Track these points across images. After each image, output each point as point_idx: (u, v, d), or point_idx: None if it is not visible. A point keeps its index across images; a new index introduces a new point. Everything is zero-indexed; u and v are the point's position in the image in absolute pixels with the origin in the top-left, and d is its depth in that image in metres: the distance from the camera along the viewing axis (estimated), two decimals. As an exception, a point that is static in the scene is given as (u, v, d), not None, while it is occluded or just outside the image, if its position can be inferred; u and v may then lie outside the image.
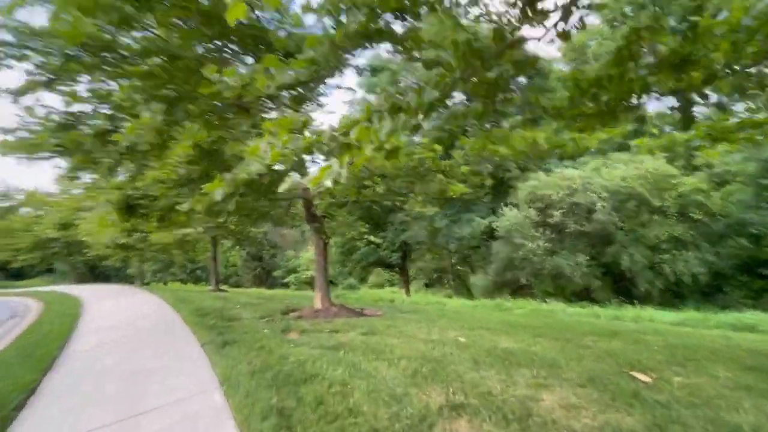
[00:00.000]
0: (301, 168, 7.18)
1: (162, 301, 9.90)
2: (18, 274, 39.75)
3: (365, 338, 5.45)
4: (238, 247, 31.95)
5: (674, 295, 14.67)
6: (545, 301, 11.83)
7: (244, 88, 3.89)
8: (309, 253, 45.84)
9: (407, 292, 29.00)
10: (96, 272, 41.26)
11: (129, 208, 6.89)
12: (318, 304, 8.03)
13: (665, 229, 12.71)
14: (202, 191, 4.88)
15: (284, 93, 5.17)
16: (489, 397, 3.04)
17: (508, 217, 14.77)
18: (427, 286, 36.53)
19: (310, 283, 41.28)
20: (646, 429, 2.48)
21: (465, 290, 27.23)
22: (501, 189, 19.48)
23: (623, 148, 17.05)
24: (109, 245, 19.22)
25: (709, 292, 15.11)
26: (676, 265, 12.55)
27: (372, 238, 27.88)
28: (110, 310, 9.13)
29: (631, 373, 3.59)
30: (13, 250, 25.37)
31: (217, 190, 4.03)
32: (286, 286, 40.83)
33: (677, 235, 12.68)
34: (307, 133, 3.33)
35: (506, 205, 17.00)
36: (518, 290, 16.34)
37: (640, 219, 13.23)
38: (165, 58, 5.08)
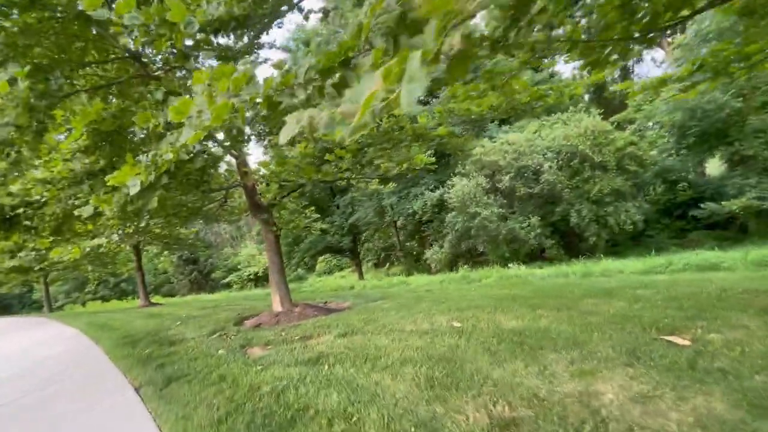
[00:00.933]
0: (237, 142, 5.93)
1: (77, 331, 8.09)
2: None
3: (347, 341, 4.65)
4: (166, 252, 28.67)
5: (612, 245, 15.84)
6: (507, 266, 11.91)
7: (151, 33, 2.73)
8: (248, 248, 43.26)
9: (360, 275, 28.49)
10: (-10, 303, 34.87)
11: (5, 222, 5.18)
12: (278, 306, 7.01)
13: (607, 183, 13.43)
14: (108, 186, 3.62)
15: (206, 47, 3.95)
16: (538, 401, 2.44)
17: (459, 187, 14.61)
18: (376, 266, 36.33)
19: (254, 281, 39.05)
20: (746, 411, 2.03)
21: (418, 266, 27.43)
22: (443, 161, 19.37)
23: (550, 111, 17.72)
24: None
25: (639, 237, 16.57)
26: (618, 215, 13.38)
27: (319, 225, 26.59)
28: (4, 354, 7.21)
29: (663, 338, 3.24)
30: None
31: (130, 180, 2.90)
32: (228, 286, 38.09)
33: (617, 188, 13.48)
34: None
35: (454, 175, 16.90)
36: (474, 259, 16.51)
37: (583, 176, 13.84)
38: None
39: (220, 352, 4.89)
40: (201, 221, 10.32)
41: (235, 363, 4.29)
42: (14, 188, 5.20)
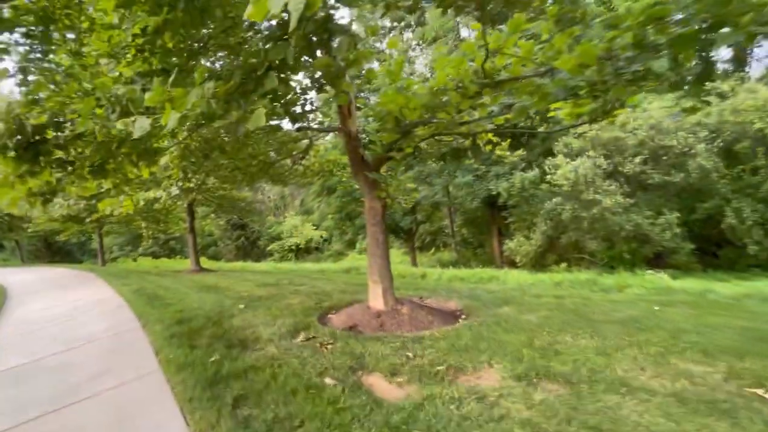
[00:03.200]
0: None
1: (123, 301, 6.76)
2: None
3: (539, 394, 2.69)
4: (213, 215, 28.06)
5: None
6: (637, 271, 9.36)
7: None
8: (293, 219, 42.77)
9: (414, 260, 26.63)
10: (54, 248, 36.97)
11: (28, 149, 3.60)
12: (377, 301, 5.15)
13: (788, 175, 10.25)
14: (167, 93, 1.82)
15: None
16: None
17: (569, 168, 11.94)
18: (420, 249, 34.25)
19: (295, 252, 38.52)
20: None
21: (478, 256, 25.06)
22: (524, 139, 16.45)
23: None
24: (53, 218, 15.59)
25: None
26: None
27: (417, 194, 24.69)
28: (36, 320, 5.98)
29: None
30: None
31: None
32: (269, 255, 37.79)
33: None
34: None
35: (552, 155, 14.18)
36: (570, 256, 13.92)
37: (750, 164, 10.71)
38: None
39: (327, 381, 3.08)
40: (266, 181, 8.67)
41: (367, 418, 2.44)
42: (42, 95, 3.60)
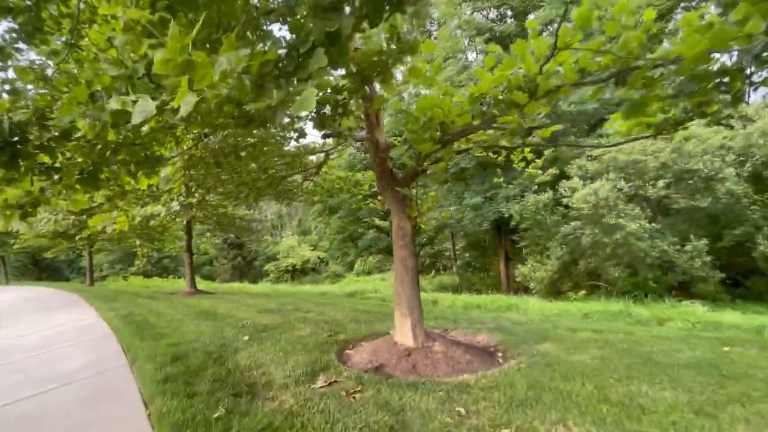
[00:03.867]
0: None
1: (108, 329, 6.01)
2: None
3: None
4: (208, 233, 27.13)
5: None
6: (667, 301, 8.71)
7: None
8: (290, 239, 41.97)
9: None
10: (42, 265, 35.77)
11: (5, 151, 3.00)
12: (407, 336, 4.48)
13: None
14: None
15: None
16: None
17: (588, 190, 11.46)
18: (419, 273, 33.38)
19: (291, 273, 37.53)
20: None
21: (482, 281, 24.33)
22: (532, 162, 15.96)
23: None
24: (41, 234, 14.81)
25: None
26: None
27: (377, 222, 24.26)
28: (8, 349, 5.23)
29: None
30: None
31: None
32: (265, 275, 36.74)
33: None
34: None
35: (566, 177, 13.75)
36: (586, 283, 13.26)
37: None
38: None
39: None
40: (272, 198, 8.08)
41: None
42: (23, 86, 3.03)
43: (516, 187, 16.06)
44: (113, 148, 3.57)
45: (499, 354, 5.04)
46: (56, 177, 3.57)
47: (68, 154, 3.51)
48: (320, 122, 3.72)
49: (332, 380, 3.71)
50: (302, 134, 5.59)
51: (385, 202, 4.75)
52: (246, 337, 5.32)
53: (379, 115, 4.59)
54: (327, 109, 3.57)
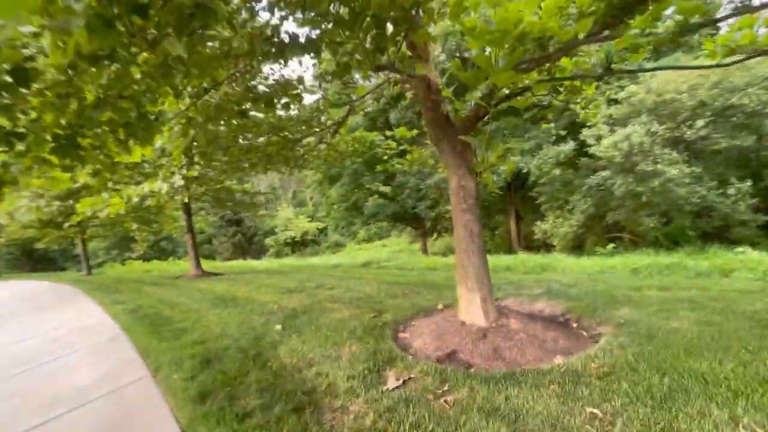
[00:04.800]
0: None
1: (117, 327, 5.26)
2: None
3: None
4: (202, 212, 25.91)
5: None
6: (731, 249, 8.13)
7: None
8: (285, 211, 41.14)
9: (425, 248, 25.40)
10: (35, 256, 34.72)
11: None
12: (478, 315, 3.79)
13: None
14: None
15: None
16: None
17: (617, 137, 10.56)
18: (422, 236, 33.13)
19: (291, 245, 36.99)
20: None
21: (496, 241, 23.93)
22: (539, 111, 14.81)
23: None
24: (30, 225, 13.81)
25: None
26: None
27: (381, 188, 23.32)
28: (4, 361, 4.52)
29: None
30: None
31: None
32: (265, 251, 36.18)
33: None
34: None
35: (579, 125, 12.78)
36: (609, 235, 12.70)
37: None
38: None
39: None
40: (281, 166, 7.15)
41: None
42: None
43: (529, 140, 15.12)
44: (95, 102, 2.66)
45: (574, 324, 4.42)
46: (21, 146, 2.65)
47: (33, 114, 2.58)
48: (372, 52, 2.79)
49: (405, 377, 3.03)
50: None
51: (440, 155, 3.89)
52: (278, 326, 4.62)
53: (428, 48, 3.65)
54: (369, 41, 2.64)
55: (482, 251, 3.82)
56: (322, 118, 5.62)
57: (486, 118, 3.55)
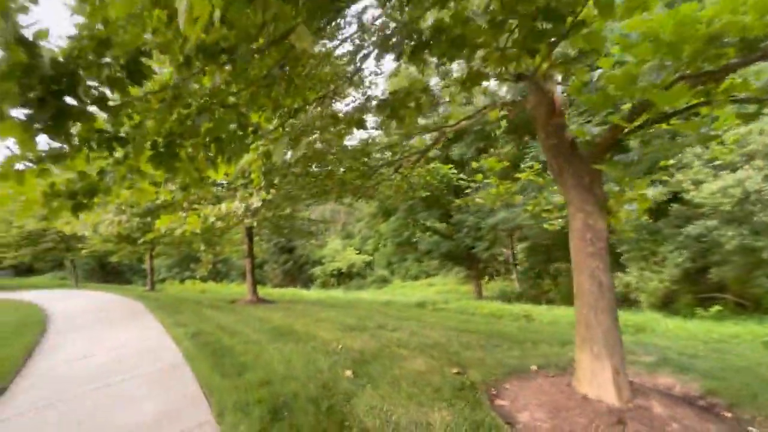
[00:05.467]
0: None
1: (181, 356, 5.01)
2: (30, 270, 35.66)
3: None
4: (256, 237, 26.60)
5: None
6: None
7: None
8: (334, 242, 41.46)
9: (479, 292, 23.96)
10: (107, 268, 37.62)
11: (41, 107, 1.89)
12: (608, 390, 3.02)
13: None
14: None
15: None
16: None
17: (725, 182, 9.24)
18: (474, 278, 31.41)
19: (337, 277, 36.75)
20: None
21: (549, 289, 22.12)
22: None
23: None
24: (109, 239, 14.82)
25: None
26: None
27: (437, 225, 22.66)
28: (64, 379, 4.36)
29: None
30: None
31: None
32: (314, 280, 36.26)
33: None
34: None
35: (672, 168, 11.46)
36: (706, 294, 10.93)
37: None
38: None
39: None
40: (351, 195, 6.86)
41: None
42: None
43: (607, 180, 13.88)
44: (201, 106, 2.42)
45: (727, 414, 3.42)
46: (120, 153, 2.45)
47: (136, 118, 2.38)
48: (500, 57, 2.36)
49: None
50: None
51: (560, 189, 3.31)
52: (349, 372, 4.08)
53: (552, 61, 3.18)
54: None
55: (613, 309, 3.08)
56: (408, 142, 5.30)
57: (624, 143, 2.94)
